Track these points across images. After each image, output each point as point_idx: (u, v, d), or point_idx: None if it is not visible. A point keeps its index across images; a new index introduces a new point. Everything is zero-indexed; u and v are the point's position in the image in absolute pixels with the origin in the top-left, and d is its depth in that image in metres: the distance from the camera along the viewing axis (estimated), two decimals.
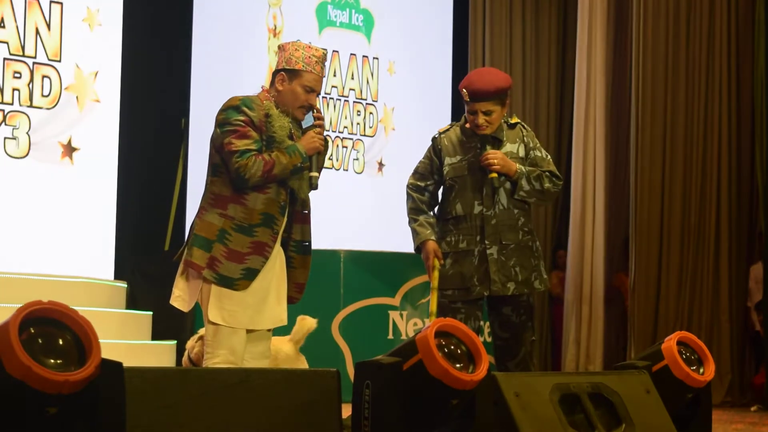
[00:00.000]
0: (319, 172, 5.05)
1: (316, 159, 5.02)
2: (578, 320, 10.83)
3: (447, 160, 5.85)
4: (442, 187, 5.94)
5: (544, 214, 11.67)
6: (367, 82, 11.15)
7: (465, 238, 5.78)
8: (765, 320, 10.00)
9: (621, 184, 10.99)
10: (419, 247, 5.87)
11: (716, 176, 10.36)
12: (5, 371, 3.25)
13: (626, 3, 10.87)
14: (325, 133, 5.13)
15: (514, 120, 5.97)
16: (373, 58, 11.21)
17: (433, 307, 5.88)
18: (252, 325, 4.92)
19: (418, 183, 5.92)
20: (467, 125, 5.89)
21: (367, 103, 11.13)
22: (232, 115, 4.87)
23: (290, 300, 5.13)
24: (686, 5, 10.51)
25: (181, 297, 4.94)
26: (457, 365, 4.10)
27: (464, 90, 5.79)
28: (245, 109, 4.88)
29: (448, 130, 5.98)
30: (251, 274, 4.85)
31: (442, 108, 11.66)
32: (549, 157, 5.99)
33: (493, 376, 4.15)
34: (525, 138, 5.93)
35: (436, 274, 5.85)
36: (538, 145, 5.97)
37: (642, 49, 10.40)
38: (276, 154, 4.86)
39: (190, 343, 6.13)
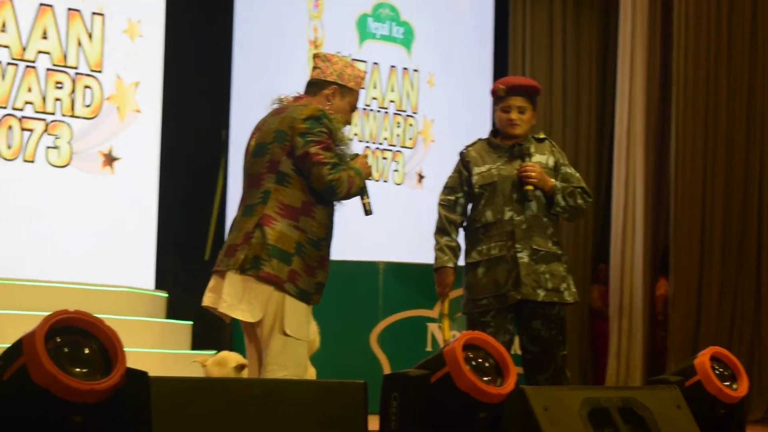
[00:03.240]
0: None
1: (365, 184, 5.02)
2: (619, 334, 10.78)
3: (475, 170, 5.83)
4: (470, 198, 5.92)
5: (584, 227, 11.62)
6: (407, 94, 11.16)
7: (497, 244, 5.76)
8: None
9: (662, 196, 10.92)
10: (436, 270, 5.85)
11: (758, 188, 10.28)
12: (31, 380, 3.28)
13: (668, 11, 10.80)
14: (366, 144, 5.16)
15: (542, 135, 5.98)
16: (413, 70, 11.23)
17: (447, 334, 5.88)
18: (308, 338, 4.90)
19: (449, 197, 5.88)
20: (494, 138, 5.90)
21: (406, 115, 11.15)
22: (316, 126, 4.78)
23: None
24: (727, 12, 10.44)
25: (245, 309, 4.75)
26: (485, 378, 4.10)
27: (500, 86, 5.80)
28: (325, 120, 4.81)
29: (474, 143, 5.99)
30: (320, 289, 4.85)
31: (481, 120, 11.64)
32: (578, 174, 5.99)
33: (521, 390, 4.14)
34: (554, 152, 5.93)
35: (447, 302, 5.85)
36: (567, 162, 5.97)
37: (683, 60, 10.35)
38: (353, 174, 4.84)
39: (212, 367, 5.97)
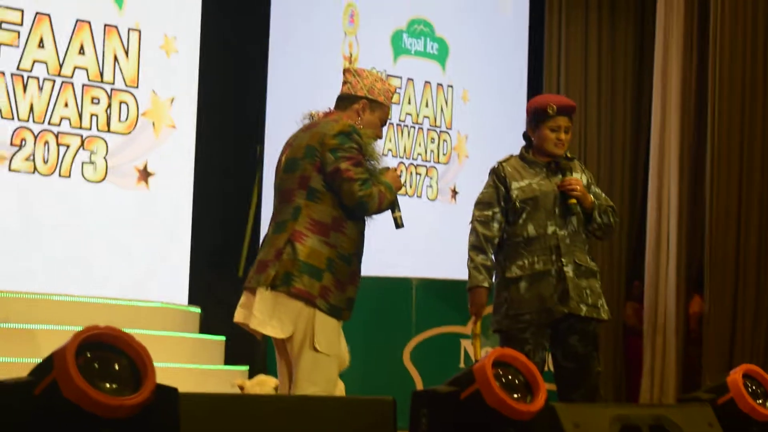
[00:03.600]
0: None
1: (396, 198, 5.00)
2: (652, 351, 10.74)
3: (514, 185, 5.80)
4: (508, 213, 5.88)
5: (618, 244, 11.59)
6: (441, 109, 11.18)
7: (540, 258, 5.73)
8: None
9: (696, 212, 10.88)
10: (470, 289, 5.80)
11: None
12: (62, 395, 3.30)
13: (704, 24, 10.76)
14: (400, 160, 5.16)
15: (571, 155, 5.98)
16: (448, 86, 11.24)
17: (479, 354, 5.85)
18: (340, 354, 4.96)
19: (485, 213, 5.81)
20: (527, 154, 5.89)
21: (441, 131, 11.16)
22: (346, 142, 4.78)
23: None
24: (764, 21, 10.40)
25: (276, 326, 4.77)
26: (515, 395, 4.08)
27: (551, 104, 5.79)
28: (356, 136, 4.81)
29: (508, 159, 5.96)
30: (351, 304, 4.86)
31: (515, 136, 11.55)
32: (604, 194, 5.99)
33: (551, 407, 4.13)
34: (584, 171, 5.94)
35: (480, 322, 5.83)
36: (595, 182, 5.99)
37: (719, 75, 10.32)
38: (384, 189, 4.84)
39: (250, 390, 5.98)
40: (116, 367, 3.43)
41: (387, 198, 4.84)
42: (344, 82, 5.05)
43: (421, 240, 10.59)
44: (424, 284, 9.24)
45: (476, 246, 5.78)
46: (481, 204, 5.88)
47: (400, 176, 5.07)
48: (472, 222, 5.86)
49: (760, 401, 4.93)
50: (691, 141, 10.86)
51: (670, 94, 10.83)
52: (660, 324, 10.69)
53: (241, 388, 5.74)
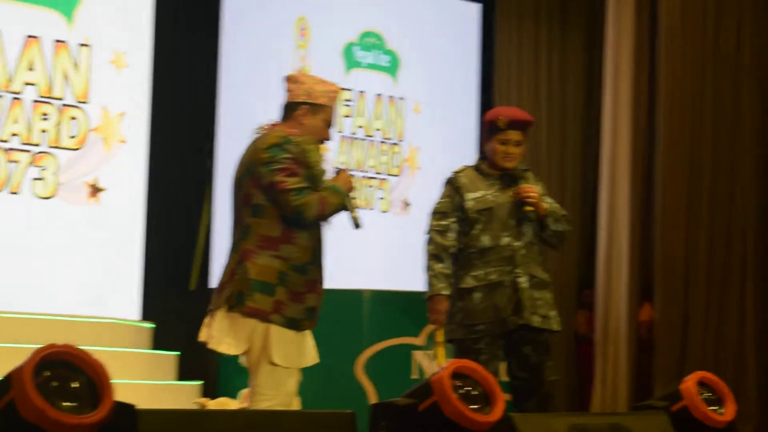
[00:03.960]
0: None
1: (351, 198, 4.97)
2: (604, 360, 10.80)
3: (468, 195, 5.83)
4: (463, 224, 5.89)
5: (569, 253, 11.65)
6: (393, 122, 11.20)
7: (495, 269, 5.75)
8: None
9: (647, 221, 10.95)
10: (430, 298, 5.82)
11: (742, 215, 10.33)
12: (20, 415, 3.28)
13: (653, 29, 10.85)
14: (351, 172, 5.10)
15: (524, 167, 6.01)
16: (399, 98, 11.27)
17: (442, 361, 5.87)
18: (301, 364, 4.88)
19: (441, 222, 5.84)
20: (482, 165, 5.92)
21: (392, 143, 11.18)
22: (278, 153, 4.75)
23: None
24: (713, 33, 10.50)
25: (230, 342, 4.79)
26: (473, 406, 4.11)
27: (501, 117, 5.82)
28: (288, 146, 4.77)
29: (463, 170, 5.99)
30: (312, 314, 4.84)
31: (467, 148, 11.68)
32: (557, 204, 6.02)
33: (509, 417, 4.16)
34: (537, 182, 5.97)
35: (442, 330, 5.85)
36: (546, 193, 6.01)
37: (668, 88, 10.40)
38: (327, 193, 4.80)
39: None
40: (74, 385, 3.42)
41: (331, 202, 4.81)
42: (286, 91, 5.04)
43: (373, 252, 10.60)
44: (375, 296, 9.24)
45: (434, 254, 5.80)
46: (437, 213, 5.90)
47: (351, 177, 4.99)
48: (429, 232, 5.88)
49: (714, 408, 4.98)
50: (642, 149, 10.93)
51: (621, 105, 10.90)
52: (611, 332, 10.75)
53: (201, 405, 5.73)
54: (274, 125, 4.99)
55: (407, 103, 11.33)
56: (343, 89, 10.70)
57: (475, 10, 12.02)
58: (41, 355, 3.36)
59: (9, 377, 3.30)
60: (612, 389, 10.68)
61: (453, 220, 5.83)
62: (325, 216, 4.83)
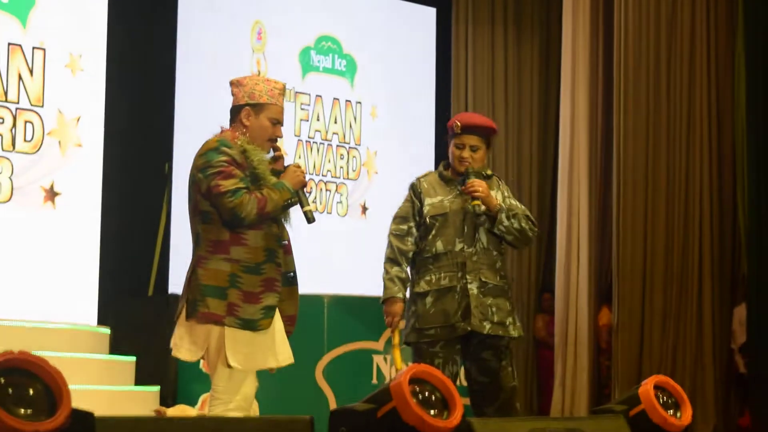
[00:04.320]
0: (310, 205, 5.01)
1: (303, 193, 4.98)
2: (564, 364, 10.82)
3: (427, 201, 5.89)
4: (420, 228, 5.94)
5: (528, 257, 11.69)
6: (350, 126, 11.20)
7: (446, 275, 5.80)
8: (749, 362, 9.99)
9: (605, 225, 11.00)
10: (385, 301, 5.87)
11: (698, 219, 10.40)
12: None
13: (609, 36, 10.90)
14: (309, 176, 5.11)
15: (489, 172, 6.04)
16: (356, 102, 11.26)
17: (399, 364, 5.92)
18: (265, 365, 4.89)
19: (401, 227, 5.93)
20: (445, 171, 5.95)
21: (350, 147, 11.17)
22: (214, 157, 4.78)
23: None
24: (666, 42, 10.58)
25: (186, 348, 4.84)
26: (432, 412, 4.09)
27: (457, 122, 5.88)
28: (224, 149, 4.79)
29: (426, 175, 6.06)
30: (270, 312, 4.81)
31: (424, 152, 11.71)
32: (522, 206, 6.04)
33: (468, 422, 4.15)
34: (501, 187, 5.99)
35: (398, 331, 5.89)
36: (513, 195, 6.04)
37: (623, 93, 10.46)
38: (267, 191, 4.80)
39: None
40: (31, 392, 3.38)
41: (272, 199, 4.81)
42: (231, 95, 5.05)
43: (333, 256, 10.59)
44: (335, 301, 9.23)
45: (391, 258, 5.89)
46: (398, 218, 5.99)
47: (302, 171, 5.00)
48: (389, 235, 5.94)
49: (671, 411, 5.00)
50: (599, 154, 10.98)
51: (578, 108, 10.94)
52: (571, 336, 10.77)
53: (159, 413, 5.70)
54: (222, 131, 5.01)
55: (364, 108, 11.32)
56: (299, 93, 10.68)
57: (431, 15, 12.04)
58: None
59: None
60: (571, 393, 10.70)
61: (412, 224, 5.91)
62: (265, 215, 4.81)
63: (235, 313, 4.75)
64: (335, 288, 9.47)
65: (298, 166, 4.99)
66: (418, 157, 11.60)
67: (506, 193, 5.99)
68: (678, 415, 5.01)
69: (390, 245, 5.92)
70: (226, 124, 5.06)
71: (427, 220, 5.86)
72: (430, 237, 5.85)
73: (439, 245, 5.83)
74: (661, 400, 4.99)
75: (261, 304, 4.79)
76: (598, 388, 10.86)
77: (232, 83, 5.05)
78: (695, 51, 10.60)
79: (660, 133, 10.47)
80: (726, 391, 10.27)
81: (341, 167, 11.07)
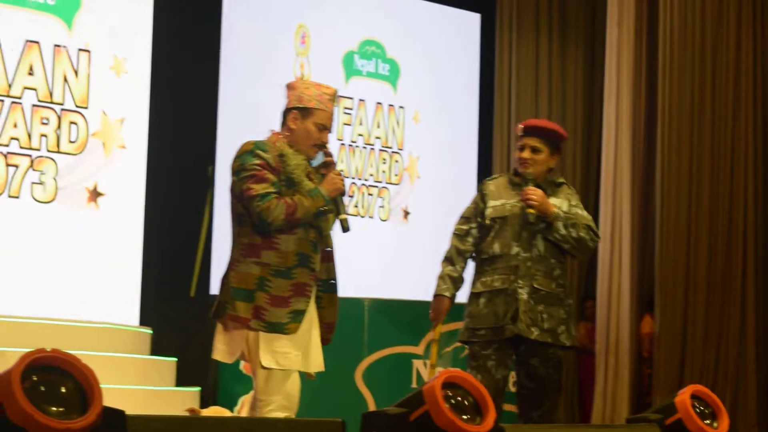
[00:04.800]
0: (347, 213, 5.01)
1: (341, 200, 4.97)
2: (605, 372, 10.77)
3: (490, 203, 5.96)
4: (482, 229, 5.98)
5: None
6: (393, 130, 11.20)
7: (500, 277, 5.85)
8: None
9: (648, 234, 10.94)
10: (433, 298, 5.95)
11: (743, 223, 10.33)
12: (8, 419, 3.27)
13: (653, 49, 10.86)
14: (351, 180, 5.12)
15: (560, 179, 6.06)
16: (399, 107, 11.26)
17: (434, 359, 5.99)
18: (304, 367, 4.89)
19: (462, 227, 6.01)
20: (515, 176, 5.98)
21: (392, 152, 11.18)
22: (248, 160, 4.81)
23: (323, 341, 5.04)
24: (711, 50, 10.52)
25: (223, 350, 4.88)
26: (464, 417, 4.08)
27: (519, 125, 6.00)
28: (259, 152, 4.82)
29: (496, 178, 6.15)
30: (298, 316, 4.81)
31: (467, 157, 11.70)
32: (588, 215, 6.03)
33: (500, 428, 4.14)
34: (569, 195, 5.99)
35: (439, 328, 5.95)
36: (581, 204, 6.04)
37: (668, 100, 10.40)
38: (298, 197, 4.81)
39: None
40: (63, 390, 3.40)
41: (303, 206, 4.81)
42: (285, 98, 5.09)
43: (374, 260, 10.59)
44: (376, 304, 9.24)
45: (447, 257, 5.98)
46: (462, 218, 6.06)
47: (341, 179, 4.97)
48: (452, 233, 6.04)
49: (708, 421, 4.97)
50: (642, 162, 10.92)
51: (621, 117, 10.88)
52: (612, 344, 10.72)
53: (193, 412, 5.72)
54: (271, 133, 5.04)
55: (407, 112, 11.32)
56: (342, 97, 10.69)
57: (475, 20, 12.03)
58: (29, 360, 3.34)
59: None
60: (612, 402, 10.65)
61: (474, 225, 5.98)
62: (294, 220, 4.80)
63: (262, 316, 4.78)
64: (376, 292, 9.50)
65: (338, 174, 4.98)
66: (461, 162, 11.61)
67: (573, 202, 6.00)
68: (715, 425, 4.98)
69: (450, 244, 6.01)
70: (270, 127, 5.09)
71: (488, 221, 5.93)
72: (489, 239, 5.91)
73: (496, 247, 5.88)
74: (697, 410, 4.96)
75: (289, 308, 4.80)
76: (639, 397, 10.80)
77: (287, 86, 5.09)
78: (741, 56, 10.53)
79: (704, 139, 10.41)
80: None
81: (383, 171, 11.08)
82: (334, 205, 4.94)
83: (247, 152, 4.86)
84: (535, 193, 5.80)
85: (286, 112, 5.03)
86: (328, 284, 5.03)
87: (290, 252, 4.83)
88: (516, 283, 5.80)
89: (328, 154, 5.05)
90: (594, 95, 12.02)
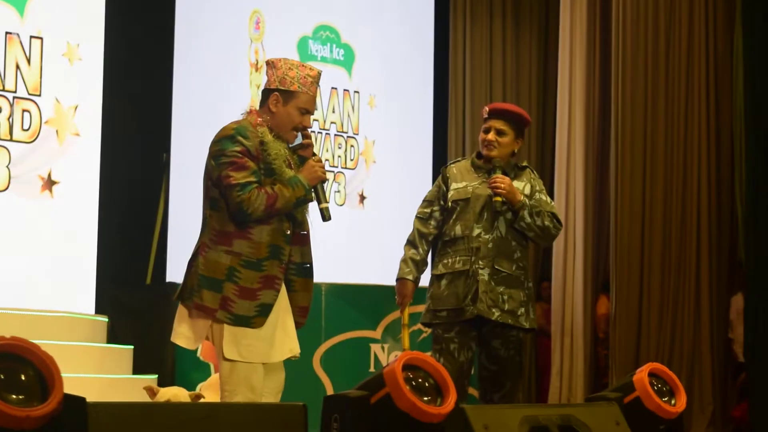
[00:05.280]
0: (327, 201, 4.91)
1: (321, 189, 4.90)
2: (561, 352, 10.83)
3: (453, 186, 5.98)
4: (444, 212, 6.00)
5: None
6: (348, 115, 11.19)
7: (461, 258, 5.88)
8: (746, 351, 9.98)
9: (602, 215, 11.01)
10: (397, 281, 5.98)
11: (696, 206, 10.39)
12: None
13: (606, 31, 10.91)
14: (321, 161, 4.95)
15: (524, 163, 6.09)
16: (354, 91, 11.25)
17: (406, 343, 6.02)
18: (268, 359, 4.79)
19: (425, 210, 6.05)
20: (477, 159, 5.99)
21: (348, 136, 11.17)
22: (228, 146, 4.69)
23: (296, 325, 4.96)
24: (665, 36, 10.57)
25: (185, 335, 4.77)
26: (425, 398, 4.10)
27: (486, 108, 6.01)
28: (240, 138, 4.69)
29: (458, 161, 6.17)
30: (266, 310, 4.71)
31: (422, 141, 11.72)
32: (553, 203, 6.07)
33: (461, 409, 4.16)
34: (532, 179, 6.02)
35: (407, 312, 5.96)
36: (544, 190, 6.06)
37: (621, 80, 10.46)
38: (279, 187, 4.70)
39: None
40: (22, 377, 3.39)
41: (284, 196, 4.70)
42: (265, 76, 4.95)
43: (330, 245, 10.58)
44: (333, 289, 9.24)
45: (410, 240, 6.02)
46: (424, 201, 6.11)
47: (322, 167, 4.86)
48: (414, 217, 6.07)
49: (666, 399, 5.00)
50: (596, 144, 10.99)
51: (575, 102, 10.93)
52: (567, 325, 10.79)
53: (151, 390, 5.64)
54: (249, 112, 4.92)
55: (362, 97, 11.32)
56: None
57: (429, 5, 12.02)
58: None
59: None
60: (569, 382, 10.72)
61: (436, 208, 6.02)
62: (274, 211, 4.71)
63: (228, 307, 4.67)
64: (333, 277, 9.49)
65: (319, 161, 4.86)
66: (417, 146, 11.62)
67: (537, 187, 6.03)
68: (672, 402, 5.02)
69: (413, 227, 6.04)
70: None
71: (450, 204, 5.95)
72: (451, 221, 5.95)
73: (458, 229, 5.92)
74: (655, 387, 5.00)
75: (257, 301, 4.70)
76: (596, 378, 10.87)
77: (267, 63, 4.94)
78: (693, 42, 10.58)
79: (658, 123, 10.47)
80: (723, 380, 10.27)
81: (339, 156, 11.07)
82: (315, 194, 4.85)
83: (227, 137, 4.73)
84: (503, 181, 5.82)
85: (266, 92, 4.89)
86: (303, 268, 4.91)
87: (263, 243, 4.72)
88: (477, 264, 5.83)
89: (306, 136, 4.93)
90: (548, 80, 12.07)
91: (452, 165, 6.12)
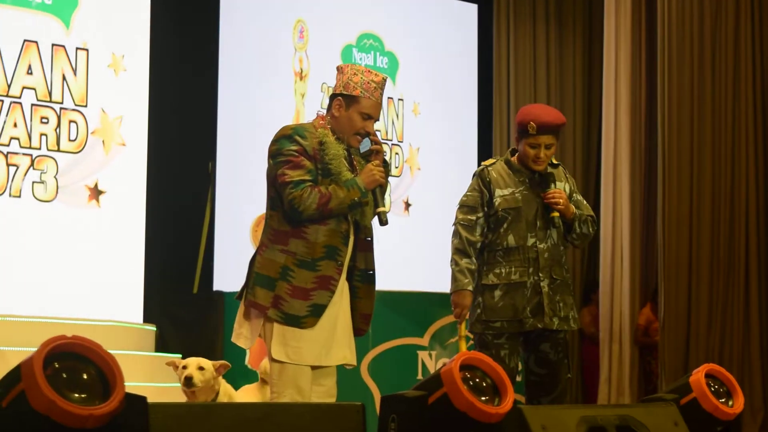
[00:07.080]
0: (385, 206, 4.89)
1: (380, 193, 4.90)
2: (609, 359, 10.76)
3: (498, 192, 5.84)
4: (489, 220, 5.89)
5: (577, 251, 11.60)
6: (393, 122, 11.19)
7: (517, 270, 5.78)
8: None
9: (649, 220, 10.93)
10: (454, 292, 5.83)
11: (745, 208, 10.32)
12: (30, 406, 3.26)
13: (652, 34, 10.85)
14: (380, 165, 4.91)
15: (555, 161, 6.00)
16: (398, 99, 11.26)
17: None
18: (318, 362, 4.79)
19: (469, 217, 5.85)
20: (513, 159, 5.91)
21: (392, 144, 11.17)
22: (285, 145, 4.73)
23: (357, 332, 4.98)
24: (711, 35, 10.50)
25: (242, 335, 4.82)
26: (483, 398, 4.09)
27: (532, 123, 5.77)
28: (297, 137, 4.74)
29: (493, 163, 5.98)
30: (318, 311, 4.72)
31: (467, 147, 11.69)
32: (586, 202, 6.04)
33: (519, 409, 4.14)
34: (568, 179, 5.98)
35: (464, 324, 5.89)
36: (578, 189, 6.02)
37: (667, 83, 10.38)
38: (333, 188, 4.71)
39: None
40: (84, 376, 3.41)
41: (336, 197, 4.69)
42: (335, 80, 4.98)
43: (377, 253, 10.56)
44: (380, 296, 9.15)
45: (460, 249, 5.83)
46: (465, 207, 5.91)
47: (381, 171, 4.84)
48: (455, 224, 5.90)
49: (723, 400, 4.96)
50: (642, 149, 10.91)
51: (621, 105, 10.87)
52: (616, 331, 10.71)
53: (173, 364, 5.71)
54: (317, 116, 4.95)
55: (406, 104, 11.31)
56: None
57: (473, 11, 12.02)
58: (51, 346, 3.34)
59: (19, 368, 3.29)
60: (617, 388, 10.65)
61: (480, 215, 5.86)
62: (327, 211, 4.70)
63: (280, 306, 4.69)
64: (379, 284, 9.41)
65: (378, 165, 4.85)
66: (461, 152, 11.59)
67: (573, 188, 5.98)
68: (730, 403, 4.98)
69: (458, 235, 5.85)
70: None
71: (499, 213, 5.82)
72: (502, 230, 5.82)
73: (511, 239, 5.81)
74: (712, 389, 4.96)
75: (309, 301, 4.71)
76: (645, 385, 10.80)
77: (336, 69, 4.98)
78: (740, 40, 10.51)
79: (705, 125, 10.40)
80: None
81: None
82: (372, 198, 4.85)
83: (284, 137, 4.78)
84: (561, 196, 5.77)
85: (332, 97, 4.93)
86: (366, 274, 4.97)
87: (318, 243, 4.73)
88: (537, 275, 5.76)
89: (375, 142, 4.93)
90: (593, 83, 12.01)
91: (489, 168, 5.93)
